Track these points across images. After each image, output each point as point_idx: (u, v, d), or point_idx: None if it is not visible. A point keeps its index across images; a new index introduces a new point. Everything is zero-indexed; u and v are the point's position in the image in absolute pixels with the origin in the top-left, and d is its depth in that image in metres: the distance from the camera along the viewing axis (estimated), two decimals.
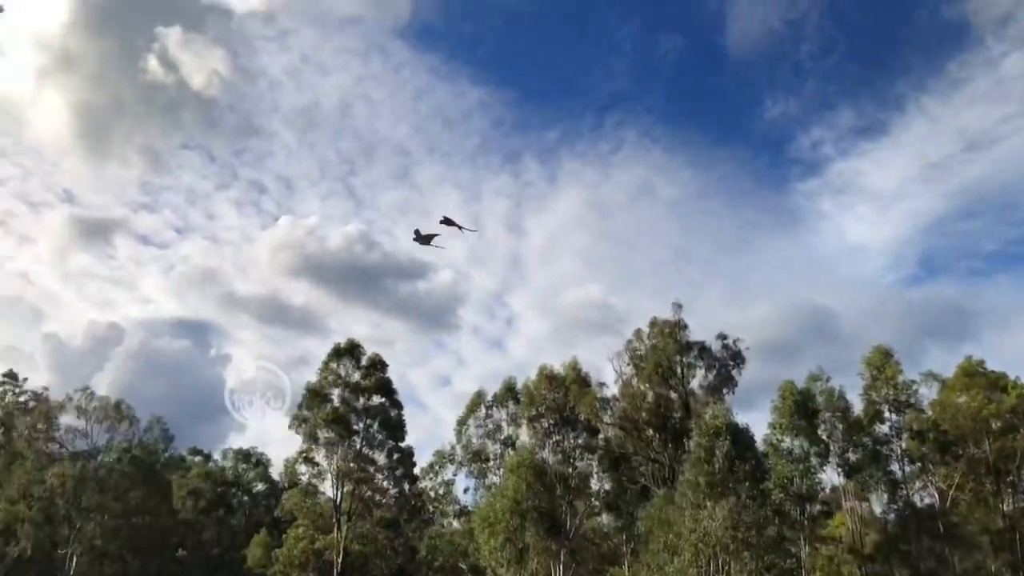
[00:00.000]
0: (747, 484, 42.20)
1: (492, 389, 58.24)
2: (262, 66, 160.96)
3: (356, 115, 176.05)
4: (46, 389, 67.77)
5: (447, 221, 24.43)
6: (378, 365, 57.65)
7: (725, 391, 54.48)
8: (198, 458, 79.93)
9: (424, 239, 24.86)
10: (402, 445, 56.85)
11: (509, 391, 57.02)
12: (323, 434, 55.31)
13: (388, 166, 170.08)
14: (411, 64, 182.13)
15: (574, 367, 55.36)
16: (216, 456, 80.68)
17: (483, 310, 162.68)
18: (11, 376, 67.76)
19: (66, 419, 63.57)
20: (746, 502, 41.08)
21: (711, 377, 55.03)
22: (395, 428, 56.67)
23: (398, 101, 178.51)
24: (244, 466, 77.47)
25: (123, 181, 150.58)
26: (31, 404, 66.13)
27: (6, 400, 66.87)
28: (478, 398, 57.92)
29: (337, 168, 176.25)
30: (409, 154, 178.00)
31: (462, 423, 57.80)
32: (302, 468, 55.28)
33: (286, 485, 58.60)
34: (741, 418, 45.40)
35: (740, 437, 43.59)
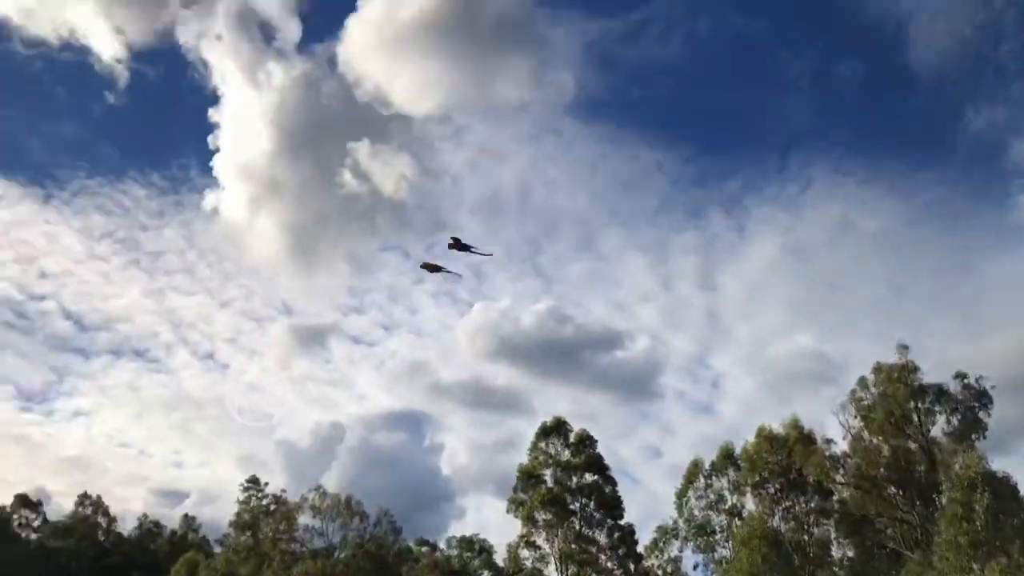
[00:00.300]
0: (1018, 543, 36.97)
1: (707, 456, 55.59)
2: (444, 164, 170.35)
3: (535, 196, 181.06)
4: (284, 491, 72.59)
5: (456, 245, 23.23)
6: (586, 441, 57.04)
7: (974, 436, 48.55)
8: (425, 548, 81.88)
9: (433, 268, 23.83)
10: (622, 523, 55.34)
11: (727, 457, 54.11)
12: (541, 516, 55.06)
13: (571, 239, 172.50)
14: (582, 138, 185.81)
15: (795, 425, 51.73)
16: (441, 545, 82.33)
17: (685, 374, 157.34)
18: (254, 482, 73.15)
19: (303, 519, 67.60)
20: (1020, 562, 35.90)
21: (955, 422, 49.28)
22: (612, 505, 55.35)
23: (574, 175, 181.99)
24: (468, 554, 78.39)
25: (332, 288, 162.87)
26: (272, 507, 71.03)
27: (251, 505, 72.14)
28: (694, 467, 55.38)
29: (522, 249, 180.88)
30: (590, 225, 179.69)
31: (681, 495, 55.31)
32: (524, 553, 55.03)
33: (511, 571, 58.43)
34: (997, 465, 40.26)
35: (1002, 488, 38.50)
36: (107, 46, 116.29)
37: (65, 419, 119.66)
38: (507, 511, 56.46)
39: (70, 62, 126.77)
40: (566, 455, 56.68)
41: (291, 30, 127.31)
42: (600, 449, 57.33)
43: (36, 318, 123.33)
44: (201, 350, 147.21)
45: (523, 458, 57.63)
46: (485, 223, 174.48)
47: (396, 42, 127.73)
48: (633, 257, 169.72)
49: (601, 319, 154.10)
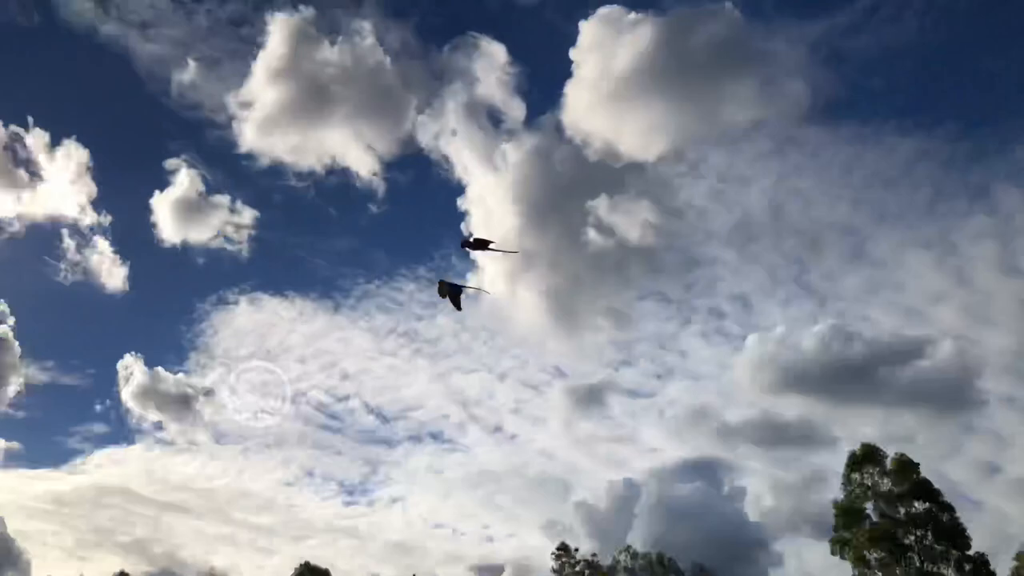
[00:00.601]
0: None
1: None
2: (685, 200, 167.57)
3: (789, 213, 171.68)
4: (595, 555, 72.94)
5: (470, 244, 20.70)
6: (907, 466, 51.69)
7: None
8: None
9: (453, 291, 21.38)
10: (970, 553, 49.00)
11: None
12: (871, 555, 50.43)
13: (839, 250, 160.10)
14: (828, 142, 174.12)
15: None
16: None
17: (1009, 374, 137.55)
18: (564, 548, 74.30)
19: None
20: None
21: None
22: (954, 534, 49.30)
23: (827, 183, 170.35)
24: None
25: (598, 345, 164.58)
26: (586, 572, 71.60)
27: (565, 572, 73.20)
28: None
29: (787, 271, 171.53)
30: (857, 231, 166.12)
31: None
32: None
33: None
34: None
35: None
36: (363, 164, 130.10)
37: (384, 507, 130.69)
38: (831, 553, 52.28)
39: (335, 184, 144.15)
40: (886, 484, 51.69)
41: (516, 109, 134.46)
42: (925, 472, 51.71)
43: (345, 417, 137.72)
44: (489, 424, 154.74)
45: (836, 493, 53.48)
46: (740, 251, 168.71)
47: (616, 95, 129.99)
48: (914, 256, 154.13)
49: (892, 329, 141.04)
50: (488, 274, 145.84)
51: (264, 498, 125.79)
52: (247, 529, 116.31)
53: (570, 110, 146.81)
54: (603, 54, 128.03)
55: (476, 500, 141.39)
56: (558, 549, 74.28)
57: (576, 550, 74.69)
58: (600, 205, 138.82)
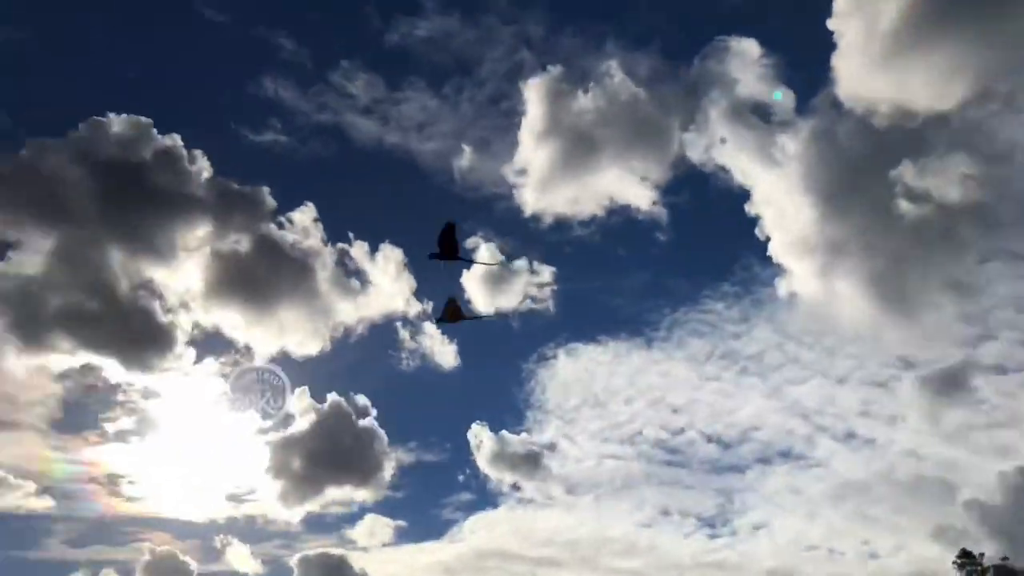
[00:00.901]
0: None
1: None
2: (1008, 141, 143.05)
3: None
4: (1006, 559, 64.77)
5: (446, 254, 16.56)
6: None
7: None
8: None
9: (454, 317, 17.21)
10: None
11: None
12: None
13: None
14: None
15: None
16: None
17: None
18: (967, 555, 66.73)
19: None
20: None
21: None
22: None
23: None
24: None
25: (944, 324, 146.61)
26: None
27: None
28: None
29: None
30: None
31: None
32: None
33: None
34: None
35: None
36: (641, 197, 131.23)
37: (748, 535, 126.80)
38: None
39: (619, 223, 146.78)
40: None
41: (784, 99, 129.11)
42: None
43: (685, 449, 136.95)
44: (839, 432, 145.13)
45: None
46: None
47: (892, 52, 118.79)
48: None
49: None
50: (796, 275, 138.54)
51: (626, 542, 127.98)
52: (618, 575, 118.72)
53: (843, 82, 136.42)
54: (865, 13, 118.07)
55: (845, 515, 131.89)
56: (960, 556, 67.05)
57: (981, 555, 67.01)
58: (905, 172, 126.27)
